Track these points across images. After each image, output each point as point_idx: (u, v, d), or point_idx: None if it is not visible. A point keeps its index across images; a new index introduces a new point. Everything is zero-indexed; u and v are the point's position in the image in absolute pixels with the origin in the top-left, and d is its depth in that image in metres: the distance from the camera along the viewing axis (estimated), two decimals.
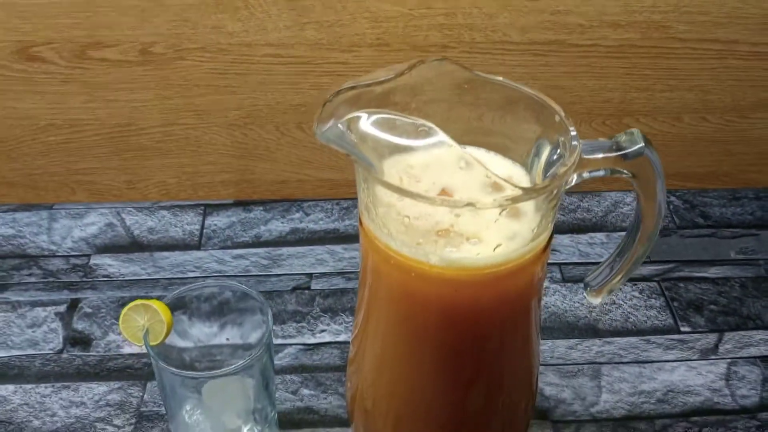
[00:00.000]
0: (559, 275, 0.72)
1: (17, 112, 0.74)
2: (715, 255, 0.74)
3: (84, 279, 0.71)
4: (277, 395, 0.60)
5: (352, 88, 0.41)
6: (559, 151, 0.43)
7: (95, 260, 0.73)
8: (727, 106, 0.77)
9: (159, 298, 0.54)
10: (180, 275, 0.71)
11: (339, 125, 0.40)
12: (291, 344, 0.66)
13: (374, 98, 0.41)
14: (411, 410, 0.50)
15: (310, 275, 0.72)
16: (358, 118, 0.39)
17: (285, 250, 0.74)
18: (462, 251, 0.41)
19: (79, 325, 0.67)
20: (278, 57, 0.71)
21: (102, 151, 0.77)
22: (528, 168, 0.46)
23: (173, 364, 0.51)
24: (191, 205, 0.79)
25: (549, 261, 0.73)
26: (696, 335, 0.67)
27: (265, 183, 0.80)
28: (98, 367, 0.64)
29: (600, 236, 0.76)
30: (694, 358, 0.65)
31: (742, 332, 0.67)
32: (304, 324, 0.67)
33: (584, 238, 0.76)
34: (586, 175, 0.43)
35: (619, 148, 0.43)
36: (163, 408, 0.60)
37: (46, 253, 0.73)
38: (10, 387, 0.62)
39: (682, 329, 0.67)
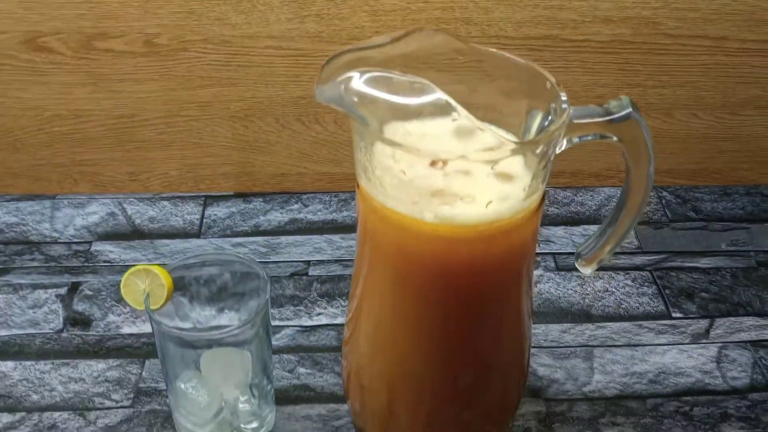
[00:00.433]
0: (553, 264, 0.73)
1: (23, 102, 0.76)
2: (706, 247, 0.75)
3: (85, 264, 0.72)
4: (273, 374, 0.61)
5: (350, 51, 0.43)
6: (550, 117, 0.45)
7: (96, 246, 0.74)
8: (718, 103, 0.78)
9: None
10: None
11: (337, 85, 0.41)
12: (288, 326, 0.66)
13: (373, 62, 0.43)
14: (405, 379, 0.51)
15: (307, 262, 0.73)
16: (354, 76, 0.41)
17: (283, 239, 0.75)
18: (456, 209, 0.42)
19: (80, 306, 0.68)
20: (279, 49, 0.73)
21: (106, 143, 0.78)
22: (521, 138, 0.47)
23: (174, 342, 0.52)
24: (192, 197, 0.80)
25: (543, 251, 0.75)
26: (687, 321, 0.68)
27: (265, 176, 0.81)
28: (97, 345, 0.65)
29: (593, 228, 0.77)
30: (686, 342, 0.66)
31: (733, 318, 0.68)
32: (301, 307, 0.68)
33: (578, 230, 0.77)
34: (576, 140, 0.45)
35: (607, 113, 0.44)
36: (160, 384, 0.61)
37: (48, 239, 0.75)
38: (10, 363, 0.63)
39: (673, 315, 0.68)
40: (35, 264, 0.72)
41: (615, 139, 0.45)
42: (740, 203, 0.81)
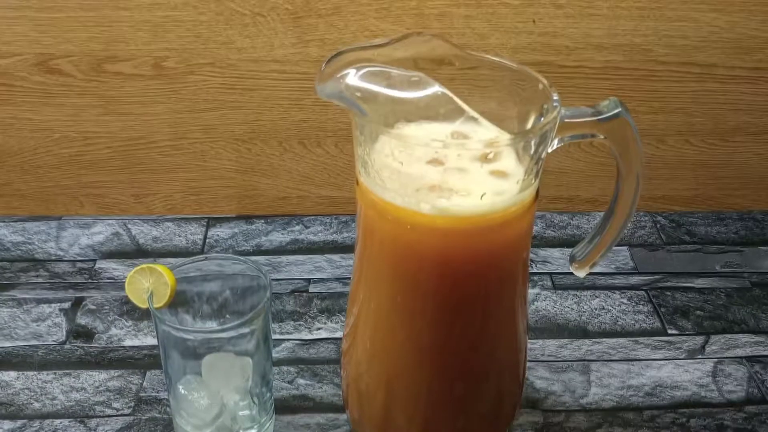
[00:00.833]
0: (549, 283, 0.74)
1: (33, 124, 0.78)
2: (701, 268, 0.77)
3: (89, 280, 0.73)
4: (273, 384, 0.62)
5: (351, 50, 0.45)
6: (543, 119, 0.47)
7: (101, 264, 0.75)
8: (709, 130, 0.80)
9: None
10: None
11: (337, 81, 0.43)
12: (289, 339, 0.67)
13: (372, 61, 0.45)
14: (402, 380, 0.52)
15: (308, 280, 0.74)
16: (354, 71, 0.43)
17: (284, 258, 0.76)
18: (452, 201, 0.44)
19: (83, 320, 0.69)
20: (283, 73, 0.76)
21: (112, 165, 0.80)
22: None
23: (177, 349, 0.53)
24: (195, 218, 0.82)
25: (541, 271, 0.76)
26: (683, 337, 0.68)
27: (267, 199, 0.83)
28: (99, 357, 0.65)
29: None
30: (682, 357, 0.66)
31: (728, 335, 0.69)
32: (301, 322, 0.69)
33: None
34: (567, 138, 0.47)
35: (598, 113, 0.46)
36: (161, 393, 0.62)
37: (54, 257, 0.76)
38: (13, 373, 0.63)
39: (669, 332, 0.69)
40: (40, 280, 0.73)
41: (604, 138, 0.47)
42: (734, 228, 0.82)
